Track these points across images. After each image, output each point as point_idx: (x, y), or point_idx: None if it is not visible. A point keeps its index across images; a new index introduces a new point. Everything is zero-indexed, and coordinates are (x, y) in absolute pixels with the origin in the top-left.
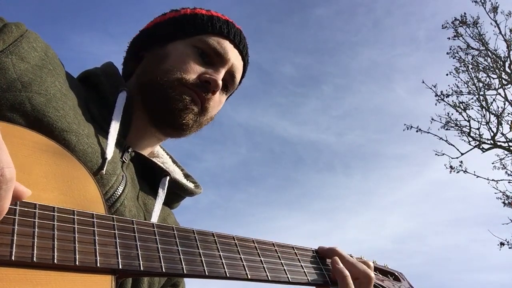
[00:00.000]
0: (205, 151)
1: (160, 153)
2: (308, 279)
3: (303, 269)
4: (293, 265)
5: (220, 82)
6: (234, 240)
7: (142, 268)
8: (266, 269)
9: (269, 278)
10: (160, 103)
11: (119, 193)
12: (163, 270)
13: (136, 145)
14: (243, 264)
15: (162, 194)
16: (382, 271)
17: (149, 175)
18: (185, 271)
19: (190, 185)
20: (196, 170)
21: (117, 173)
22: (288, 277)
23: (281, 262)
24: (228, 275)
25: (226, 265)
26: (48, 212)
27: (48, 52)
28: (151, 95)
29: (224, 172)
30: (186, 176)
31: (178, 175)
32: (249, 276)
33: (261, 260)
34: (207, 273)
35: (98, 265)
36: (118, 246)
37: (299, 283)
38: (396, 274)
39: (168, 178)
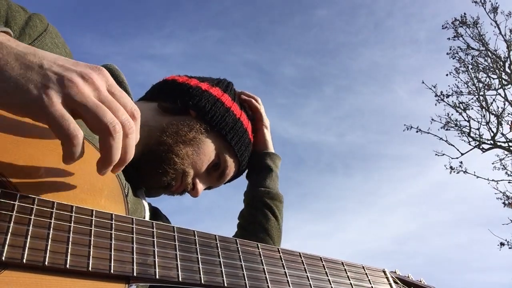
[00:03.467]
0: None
1: None
2: None
3: (330, 284)
4: (321, 279)
5: (199, 194)
6: (258, 249)
7: (157, 277)
8: (290, 283)
9: None
10: (155, 169)
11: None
12: (180, 279)
13: None
14: (266, 277)
15: (146, 204)
16: (416, 287)
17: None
18: (202, 282)
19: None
20: None
21: (122, 177)
22: None
23: (307, 276)
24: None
25: (247, 277)
26: (65, 213)
27: (66, 49)
28: (157, 157)
29: None
30: None
31: None
32: None
33: (285, 272)
34: (226, 285)
35: (112, 271)
36: (134, 252)
37: None
38: None
39: (143, 190)
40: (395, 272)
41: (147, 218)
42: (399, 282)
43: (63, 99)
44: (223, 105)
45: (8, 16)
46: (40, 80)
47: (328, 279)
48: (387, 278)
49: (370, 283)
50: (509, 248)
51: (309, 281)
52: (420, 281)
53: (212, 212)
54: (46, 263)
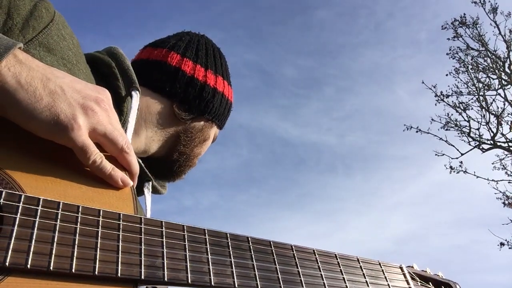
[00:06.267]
0: (206, 152)
1: None
2: None
3: (345, 283)
4: (336, 278)
5: None
6: (271, 247)
7: (166, 279)
8: (303, 283)
9: None
10: (174, 172)
11: None
12: (189, 281)
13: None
14: (278, 277)
15: (148, 196)
16: (434, 282)
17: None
18: (212, 283)
19: (162, 189)
20: (197, 171)
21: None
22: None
23: (321, 275)
24: None
25: (259, 277)
26: (71, 214)
27: (74, 40)
28: (176, 165)
29: (226, 173)
30: None
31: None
32: None
33: (298, 271)
34: (236, 286)
35: (119, 275)
36: (142, 254)
37: None
38: (451, 284)
39: (151, 183)
40: (412, 267)
41: (148, 215)
42: (416, 278)
43: (89, 129)
44: (222, 96)
45: (11, 6)
46: (68, 109)
47: (343, 278)
48: (403, 274)
49: (387, 281)
50: (509, 248)
51: (323, 280)
52: (438, 275)
53: (212, 212)
54: (51, 267)
